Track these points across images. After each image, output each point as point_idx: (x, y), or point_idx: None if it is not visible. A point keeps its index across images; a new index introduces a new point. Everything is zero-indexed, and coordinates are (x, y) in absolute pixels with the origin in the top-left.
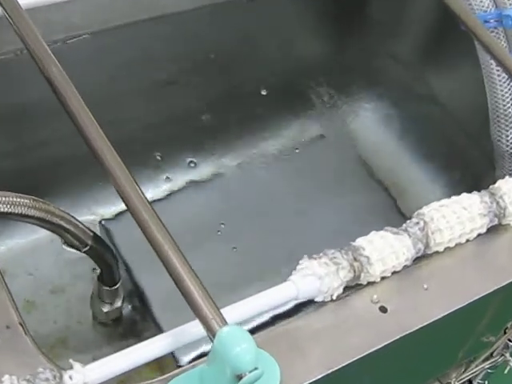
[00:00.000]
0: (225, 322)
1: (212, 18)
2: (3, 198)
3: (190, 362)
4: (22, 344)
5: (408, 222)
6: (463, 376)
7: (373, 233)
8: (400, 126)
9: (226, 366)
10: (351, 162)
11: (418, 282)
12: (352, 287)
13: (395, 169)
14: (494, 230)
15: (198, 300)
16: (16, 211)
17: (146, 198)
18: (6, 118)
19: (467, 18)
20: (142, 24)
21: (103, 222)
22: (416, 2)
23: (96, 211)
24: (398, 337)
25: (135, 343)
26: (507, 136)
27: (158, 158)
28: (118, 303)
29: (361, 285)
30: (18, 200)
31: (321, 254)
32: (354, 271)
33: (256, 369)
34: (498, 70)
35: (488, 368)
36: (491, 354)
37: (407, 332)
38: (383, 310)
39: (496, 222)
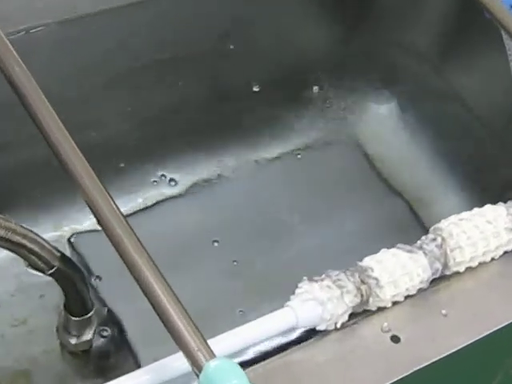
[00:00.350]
0: (212, 355)
1: (197, 3)
2: None
3: None
4: None
5: (423, 238)
6: None
7: (383, 251)
8: (416, 128)
9: None
10: (360, 169)
11: (436, 307)
12: (359, 314)
13: (411, 176)
14: None
15: (182, 329)
16: None
17: (120, 212)
18: None
19: (492, 5)
20: (116, 11)
21: (72, 240)
22: None
23: (64, 227)
24: (412, 370)
25: (110, 379)
26: None
27: (135, 164)
28: (89, 335)
29: (369, 311)
30: None
31: (323, 276)
32: (362, 295)
33: None
34: None
35: None
36: None
37: (423, 365)
38: (395, 339)
39: None
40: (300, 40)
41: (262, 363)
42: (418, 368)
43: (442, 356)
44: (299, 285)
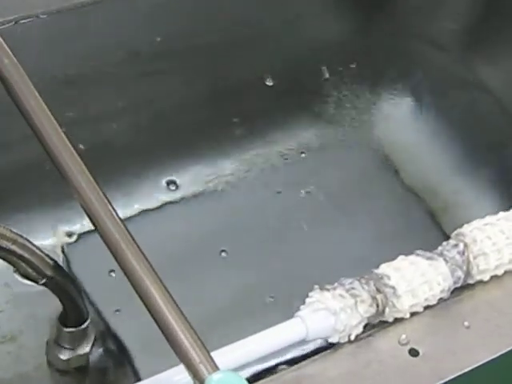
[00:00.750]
0: (215, 368)
1: None
2: None
3: None
4: None
5: (444, 243)
6: None
7: (400, 258)
8: (438, 124)
9: None
10: (377, 169)
11: (458, 318)
12: (375, 325)
13: (433, 177)
14: None
15: (183, 341)
16: None
17: (118, 216)
18: None
19: None
20: (113, 1)
21: (66, 248)
22: None
23: (58, 234)
24: None
25: None
26: None
27: (136, 165)
28: (86, 348)
29: (386, 322)
30: None
31: (335, 284)
32: (377, 305)
33: None
34: None
35: None
36: None
37: (443, 380)
38: (414, 353)
39: None
40: (314, 31)
41: (271, 377)
42: None
43: (463, 371)
44: (310, 294)
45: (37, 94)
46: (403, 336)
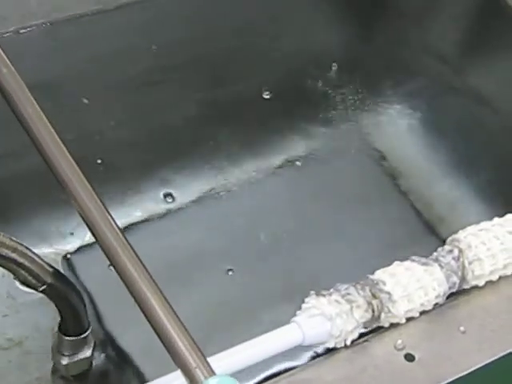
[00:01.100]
0: (211, 372)
1: (201, 2)
2: None
3: None
4: None
5: (440, 249)
6: None
7: (396, 263)
8: (436, 133)
9: None
10: (375, 178)
11: (453, 323)
12: (371, 331)
13: (430, 185)
14: None
15: (180, 345)
16: None
17: (117, 226)
18: None
19: None
20: (113, 12)
21: (68, 257)
22: None
23: (59, 243)
24: None
25: None
26: None
27: (133, 177)
28: (87, 353)
29: (382, 328)
30: None
31: (331, 290)
32: (373, 311)
33: None
34: None
35: None
36: None
37: None
38: (410, 358)
39: None
40: (311, 40)
41: (268, 382)
42: None
43: (459, 376)
44: (306, 299)
45: (35, 102)
46: (399, 341)
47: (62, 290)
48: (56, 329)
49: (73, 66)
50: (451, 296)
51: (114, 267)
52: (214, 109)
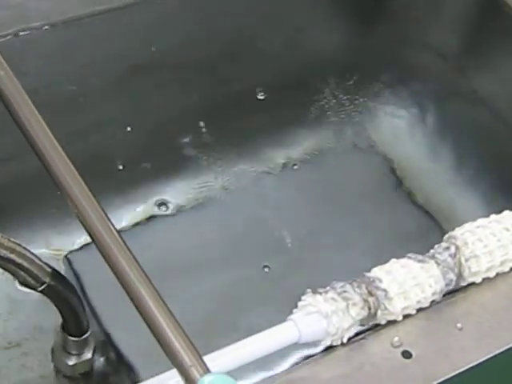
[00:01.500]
0: (207, 370)
1: (195, 3)
2: None
3: None
4: None
5: (436, 246)
6: None
7: (392, 261)
8: (437, 133)
9: None
10: (376, 180)
11: (450, 320)
12: (368, 329)
13: (431, 184)
14: None
15: (175, 344)
16: None
17: (114, 227)
18: None
19: None
20: (113, 13)
21: (69, 257)
22: None
23: (60, 243)
24: None
25: None
26: None
27: (124, 173)
28: (88, 355)
29: (379, 325)
30: None
31: (327, 288)
32: (369, 308)
33: None
34: None
35: None
36: None
37: (436, 382)
38: (407, 355)
39: None
40: (309, 40)
41: (263, 380)
42: None
43: (456, 372)
44: (302, 297)
45: (33, 106)
46: (396, 338)
47: (61, 290)
48: (59, 329)
49: (71, 68)
50: (450, 293)
51: (110, 267)
52: (209, 110)
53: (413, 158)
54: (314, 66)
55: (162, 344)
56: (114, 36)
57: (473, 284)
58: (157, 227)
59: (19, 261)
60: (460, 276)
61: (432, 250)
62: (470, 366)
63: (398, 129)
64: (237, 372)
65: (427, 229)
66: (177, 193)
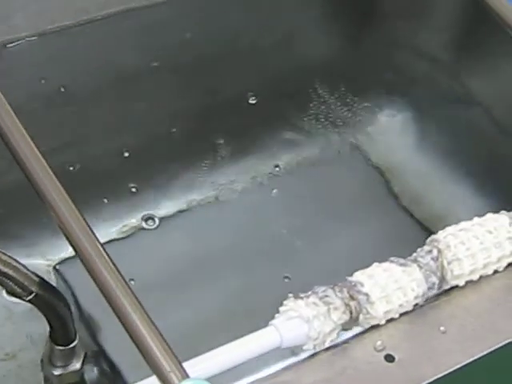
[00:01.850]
0: (186, 376)
1: (184, 9)
2: None
3: None
4: None
5: (419, 250)
6: None
7: (374, 265)
8: (429, 138)
9: None
10: (368, 182)
11: (434, 323)
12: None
13: (423, 189)
14: None
15: (154, 350)
16: None
17: (97, 239)
18: None
19: (499, 6)
20: (101, 22)
21: (58, 268)
22: None
23: (50, 254)
24: None
25: None
26: None
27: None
28: (76, 365)
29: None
30: None
31: (309, 293)
32: (351, 312)
33: None
34: None
35: None
36: None
37: None
38: (390, 359)
39: None
40: (302, 44)
41: None
42: None
43: (440, 375)
44: (284, 302)
45: (15, 117)
46: (379, 342)
47: (49, 299)
48: (47, 339)
49: (60, 78)
50: (433, 296)
51: (92, 276)
52: (202, 114)
53: (404, 161)
54: (304, 71)
55: (141, 351)
56: (101, 45)
57: (456, 287)
58: (143, 240)
59: (5, 270)
60: (443, 279)
61: (414, 254)
62: (454, 369)
63: (389, 133)
64: (218, 378)
65: (415, 233)
66: (165, 205)
